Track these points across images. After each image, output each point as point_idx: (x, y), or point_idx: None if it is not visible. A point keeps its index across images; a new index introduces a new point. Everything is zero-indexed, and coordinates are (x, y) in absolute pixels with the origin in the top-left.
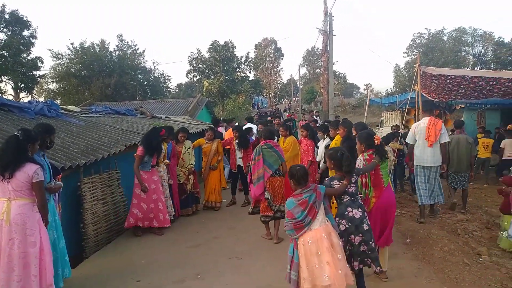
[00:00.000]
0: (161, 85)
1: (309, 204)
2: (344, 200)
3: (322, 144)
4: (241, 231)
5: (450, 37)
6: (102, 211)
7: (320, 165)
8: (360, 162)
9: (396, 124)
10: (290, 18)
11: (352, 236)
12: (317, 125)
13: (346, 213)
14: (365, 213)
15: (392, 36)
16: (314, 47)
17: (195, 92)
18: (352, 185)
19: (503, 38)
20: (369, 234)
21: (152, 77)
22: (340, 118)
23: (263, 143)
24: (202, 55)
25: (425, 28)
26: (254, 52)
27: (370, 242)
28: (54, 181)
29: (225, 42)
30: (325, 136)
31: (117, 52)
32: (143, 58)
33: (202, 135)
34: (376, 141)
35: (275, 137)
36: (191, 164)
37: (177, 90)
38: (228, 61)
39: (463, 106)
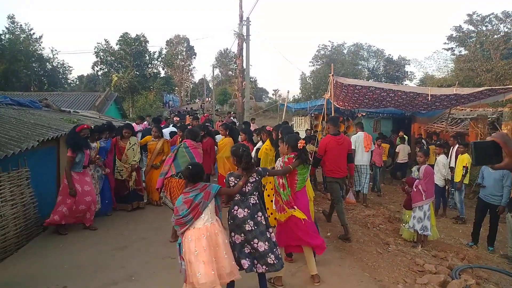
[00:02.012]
0: (60, 76)
1: (194, 203)
2: (235, 198)
3: (256, 147)
4: (169, 231)
5: (349, 51)
6: (11, 213)
7: None
8: (278, 164)
9: (307, 129)
10: (203, 18)
11: (233, 234)
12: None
13: (232, 210)
14: (257, 214)
15: (299, 45)
16: (227, 49)
17: (98, 85)
18: (249, 184)
19: (392, 56)
20: (252, 235)
21: (50, 66)
22: (255, 121)
23: (184, 141)
24: (111, 47)
25: (329, 41)
26: (166, 49)
27: (252, 242)
28: None
29: (137, 35)
30: (259, 139)
31: (7, 35)
32: (40, 45)
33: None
34: (299, 145)
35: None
36: (135, 160)
37: (77, 83)
38: (140, 56)
39: (364, 114)
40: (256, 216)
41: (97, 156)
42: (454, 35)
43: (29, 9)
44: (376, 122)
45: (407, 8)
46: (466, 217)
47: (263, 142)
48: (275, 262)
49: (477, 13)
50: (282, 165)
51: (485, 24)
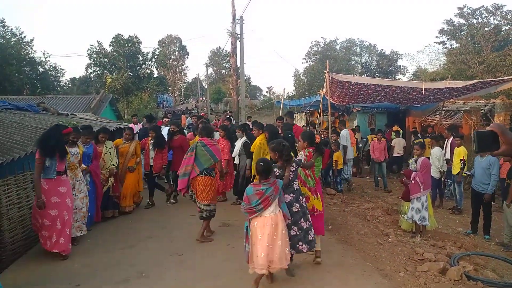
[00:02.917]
0: (52, 79)
1: (265, 196)
2: None
3: (239, 142)
4: (174, 229)
5: (342, 46)
6: (18, 216)
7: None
8: (301, 157)
9: (304, 125)
10: (195, 17)
11: None
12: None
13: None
14: (300, 198)
15: (292, 42)
16: (220, 47)
17: (91, 88)
18: (291, 172)
19: (385, 50)
20: (299, 216)
21: (42, 69)
22: (251, 119)
23: (199, 139)
24: (104, 49)
25: (321, 37)
26: (158, 49)
27: (299, 222)
28: None
29: (130, 36)
30: (243, 134)
31: None
32: (31, 48)
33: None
34: (316, 140)
35: (213, 135)
36: (113, 165)
37: (70, 85)
38: (133, 57)
39: (359, 109)
40: (299, 199)
41: (83, 166)
42: (445, 29)
43: (20, 13)
44: (371, 117)
45: (398, 2)
46: (463, 208)
47: (248, 137)
48: (313, 238)
49: (467, 6)
50: (304, 158)
51: (476, 17)
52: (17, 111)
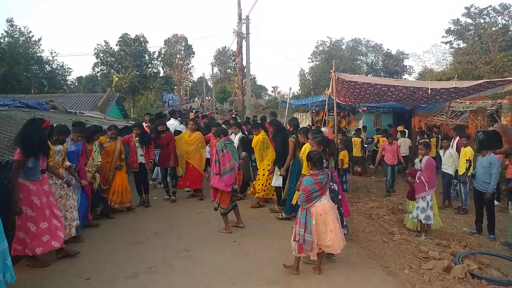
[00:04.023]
0: (59, 78)
1: (322, 185)
2: None
3: (235, 138)
4: (182, 226)
5: (348, 46)
6: None
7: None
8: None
9: (308, 124)
10: (201, 16)
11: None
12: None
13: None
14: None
15: (297, 42)
16: (225, 47)
17: (97, 86)
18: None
19: (391, 50)
20: (341, 203)
21: (49, 68)
22: (257, 118)
23: (224, 139)
24: (111, 48)
25: (327, 37)
26: (164, 48)
27: (341, 208)
28: None
29: (137, 35)
30: (239, 130)
31: (6, 39)
32: (39, 47)
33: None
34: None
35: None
36: (100, 161)
37: (76, 84)
38: (140, 56)
39: (364, 109)
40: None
41: (66, 163)
42: (452, 28)
43: (28, 12)
44: (376, 117)
45: (404, 1)
46: (468, 208)
47: (243, 133)
48: (346, 223)
49: (474, 6)
50: None
51: (483, 17)
52: (27, 109)
